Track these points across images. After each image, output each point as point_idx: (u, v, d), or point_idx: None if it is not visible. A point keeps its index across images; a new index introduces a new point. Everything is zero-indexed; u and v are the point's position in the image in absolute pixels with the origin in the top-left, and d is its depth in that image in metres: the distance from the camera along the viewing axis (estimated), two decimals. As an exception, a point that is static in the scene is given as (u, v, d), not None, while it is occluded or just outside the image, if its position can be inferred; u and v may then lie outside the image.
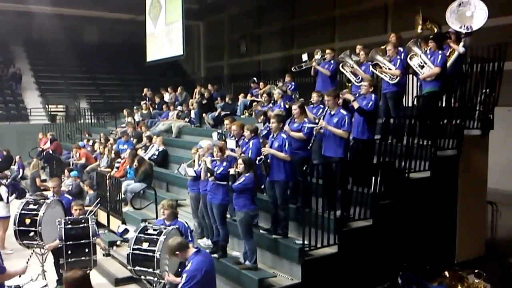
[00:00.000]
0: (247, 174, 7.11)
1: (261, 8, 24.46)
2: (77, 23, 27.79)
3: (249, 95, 14.73)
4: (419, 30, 9.41)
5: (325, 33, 20.69)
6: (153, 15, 21.70)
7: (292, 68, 11.34)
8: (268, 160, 7.53)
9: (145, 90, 18.83)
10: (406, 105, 9.57)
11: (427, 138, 8.42)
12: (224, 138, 9.44)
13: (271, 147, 7.53)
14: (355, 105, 7.82)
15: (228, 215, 8.12)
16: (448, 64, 8.59)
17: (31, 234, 7.37)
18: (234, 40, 27.00)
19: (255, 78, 15.34)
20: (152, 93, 18.38)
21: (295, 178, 7.79)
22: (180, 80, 22.64)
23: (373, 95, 7.97)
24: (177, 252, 5.30)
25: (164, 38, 20.76)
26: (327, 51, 10.35)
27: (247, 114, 13.68)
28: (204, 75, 28.38)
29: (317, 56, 10.42)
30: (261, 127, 9.23)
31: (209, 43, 29.41)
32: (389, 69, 8.80)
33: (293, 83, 11.83)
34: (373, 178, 7.54)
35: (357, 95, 8.08)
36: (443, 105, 8.75)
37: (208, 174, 7.65)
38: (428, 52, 8.64)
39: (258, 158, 7.56)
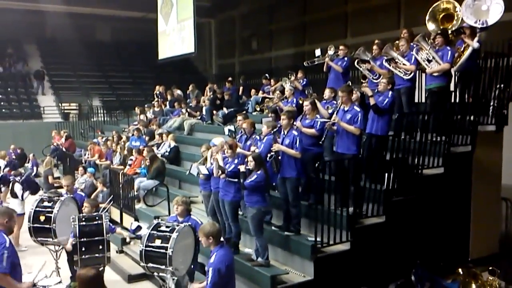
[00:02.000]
0: (258, 172, 7.10)
1: (272, 5, 24.39)
2: (89, 21, 27.94)
3: (260, 91, 14.72)
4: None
5: (337, 29, 20.57)
6: (165, 13, 21.75)
7: (304, 63, 11.30)
8: (279, 157, 7.52)
9: (157, 87, 18.92)
10: (420, 100, 9.50)
11: (440, 134, 8.36)
12: (234, 135, 9.46)
13: (282, 144, 7.52)
14: (372, 101, 7.78)
15: (240, 212, 8.13)
16: (462, 59, 8.50)
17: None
18: (245, 37, 26.95)
19: (267, 75, 15.33)
20: (165, 88, 18.44)
21: (308, 174, 7.76)
22: (192, 78, 22.68)
23: (390, 93, 7.94)
24: (210, 237, 5.40)
25: (176, 36, 20.80)
26: (341, 47, 10.30)
27: (259, 109, 13.66)
28: (215, 72, 28.40)
29: (330, 51, 10.37)
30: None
31: (220, 41, 29.41)
32: (404, 64, 8.76)
33: (305, 79, 11.81)
34: (386, 174, 7.49)
35: (376, 91, 8.03)
36: (457, 100, 8.67)
37: (220, 172, 7.66)
38: (435, 47, 8.55)
39: (269, 155, 7.55)
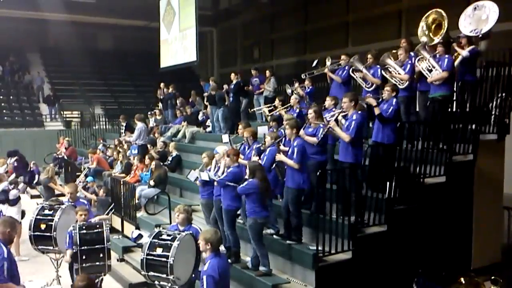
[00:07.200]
0: (250, 180, 7.12)
1: (273, 14, 24.52)
2: (92, 30, 28.12)
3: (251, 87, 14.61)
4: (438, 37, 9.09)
5: (338, 38, 20.65)
6: (167, 22, 21.84)
7: (302, 75, 11.29)
8: (285, 167, 7.52)
9: (162, 84, 18.71)
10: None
11: (442, 143, 8.35)
12: (231, 144, 9.48)
13: (287, 153, 7.51)
14: (376, 111, 7.77)
15: (240, 221, 8.11)
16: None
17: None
18: (247, 45, 27.08)
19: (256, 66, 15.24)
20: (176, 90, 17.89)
21: (310, 183, 7.74)
22: (193, 86, 22.74)
23: (394, 100, 7.90)
24: (209, 244, 5.47)
25: (178, 45, 20.89)
26: (342, 57, 10.28)
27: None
28: (217, 81, 28.44)
29: (329, 62, 10.33)
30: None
31: (222, 49, 29.52)
32: (398, 73, 8.76)
33: (311, 87, 11.79)
34: (388, 183, 7.48)
35: (380, 99, 8.03)
36: (458, 109, 8.67)
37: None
38: (436, 56, 8.56)
39: (274, 165, 7.54)
